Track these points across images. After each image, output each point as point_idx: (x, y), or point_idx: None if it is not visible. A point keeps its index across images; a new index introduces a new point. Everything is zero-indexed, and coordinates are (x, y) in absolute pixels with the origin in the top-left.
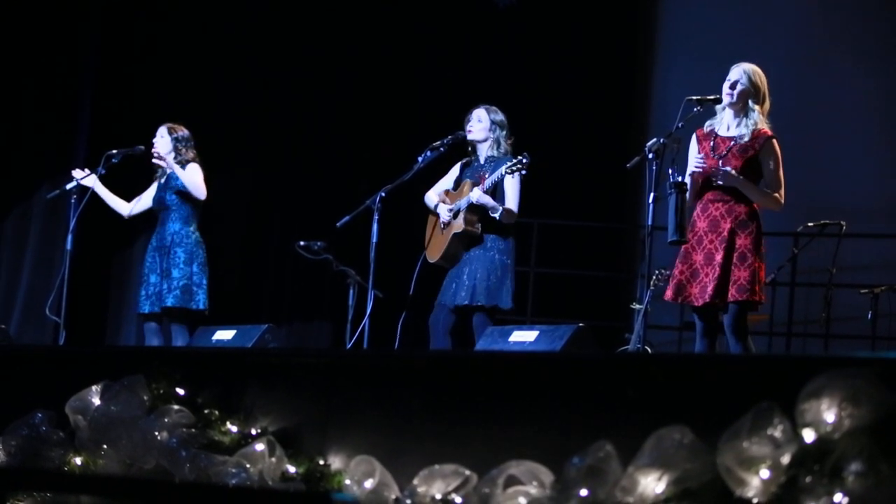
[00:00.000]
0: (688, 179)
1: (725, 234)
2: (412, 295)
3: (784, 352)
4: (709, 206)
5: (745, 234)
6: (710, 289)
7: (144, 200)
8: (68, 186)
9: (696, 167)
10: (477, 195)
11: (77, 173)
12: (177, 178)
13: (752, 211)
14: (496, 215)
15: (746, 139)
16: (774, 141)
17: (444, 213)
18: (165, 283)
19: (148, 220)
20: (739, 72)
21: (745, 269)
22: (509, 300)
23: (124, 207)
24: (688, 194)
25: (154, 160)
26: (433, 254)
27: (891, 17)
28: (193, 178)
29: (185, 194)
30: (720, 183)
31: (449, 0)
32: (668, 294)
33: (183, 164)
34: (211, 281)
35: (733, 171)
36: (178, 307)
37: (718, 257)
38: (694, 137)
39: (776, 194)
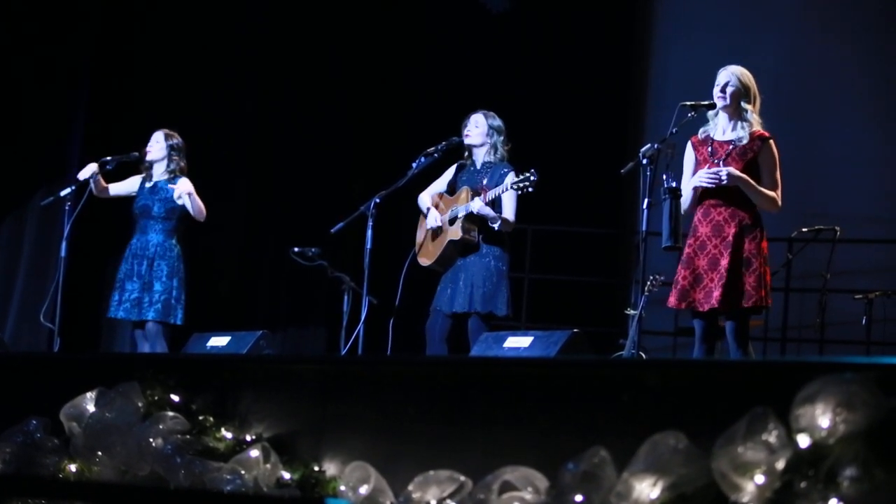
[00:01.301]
0: (689, 190)
1: (731, 238)
2: (401, 295)
3: (779, 357)
4: (710, 211)
5: (750, 239)
6: (716, 294)
7: (117, 188)
8: (62, 193)
9: (707, 182)
10: (478, 206)
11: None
12: (167, 191)
13: (755, 215)
14: (495, 226)
15: (745, 141)
16: (772, 142)
17: (432, 219)
18: (147, 295)
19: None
20: (728, 74)
21: (750, 274)
22: (505, 307)
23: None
24: (689, 202)
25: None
26: (426, 257)
27: (890, 24)
28: (199, 204)
29: (173, 208)
30: (724, 184)
31: (442, 5)
32: (672, 300)
33: (175, 175)
34: (187, 296)
35: (736, 171)
36: (157, 321)
37: (724, 262)
38: (689, 144)
39: (774, 195)
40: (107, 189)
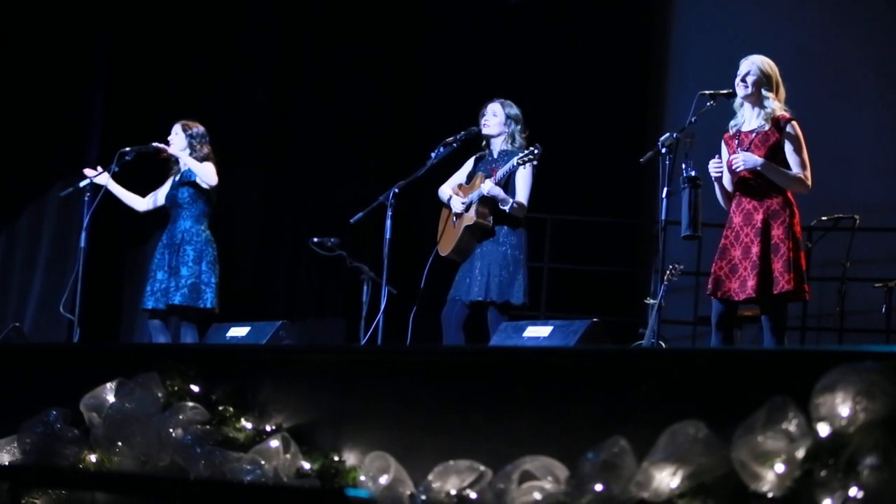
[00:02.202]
0: (717, 186)
1: (759, 224)
2: (423, 289)
3: (798, 345)
4: (742, 200)
5: (778, 224)
6: (750, 283)
7: (159, 197)
8: (82, 184)
9: (714, 172)
10: (488, 187)
11: (89, 172)
12: (190, 176)
13: (784, 200)
14: (506, 208)
15: (766, 128)
16: (794, 123)
17: (456, 205)
18: (173, 280)
19: (161, 216)
20: (749, 63)
21: (778, 259)
22: (521, 296)
23: (139, 203)
24: (721, 199)
25: (164, 152)
26: (445, 247)
27: None
28: (205, 168)
29: (197, 192)
30: (744, 169)
31: None
32: (708, 289)
33: (199, 161)
34: (221, 279)
35: (752, 155)
36: (185, 305)
37: (755, 250)
38: (723, 142)
39: (802, 175)
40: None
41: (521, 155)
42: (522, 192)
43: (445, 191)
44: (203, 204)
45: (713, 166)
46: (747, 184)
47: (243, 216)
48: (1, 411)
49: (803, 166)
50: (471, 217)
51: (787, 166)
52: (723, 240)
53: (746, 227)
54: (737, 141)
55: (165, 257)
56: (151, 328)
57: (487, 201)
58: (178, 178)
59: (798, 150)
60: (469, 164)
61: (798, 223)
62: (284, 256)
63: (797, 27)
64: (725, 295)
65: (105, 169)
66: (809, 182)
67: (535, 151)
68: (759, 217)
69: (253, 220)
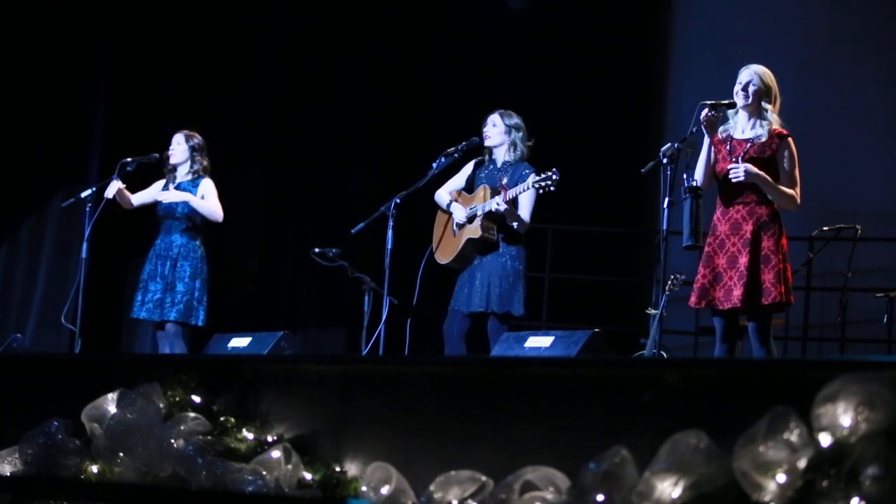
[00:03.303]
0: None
1: (748, 236)
2: (419, 294)
3: (800, 356)
4: (729, 209)
5: (768, 236)
6: (736, 293)
7: (142, 197)
8: (83, 195)
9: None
10: (497, 206)
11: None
12: (191, 191)
13: (773, 212)
14: (514, 224)
15: (763, 139)
16: (791, 140)
17: (458, 214)
18: (169, 295)
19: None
20: (750, 73)
21: (769, 271)
22: (521, 307)
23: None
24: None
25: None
26: (444, 255)
27: None
28: (211, 205)
29: (195, 209)
30: (741, 180)
31: (462, 4)
32: (693, 299)
33: (198, 175)
34: (210, 297)
35: (753, 168)
36: (179, 322)
37: (743, 260)
38: (708, 141)
39: (794, 193)
40: (132, 203)
41: (538, 179)
42: (526, 208)
43: (443, 195)
44: (200, 220)
45: (704, 111)
46: (738, 193)
47: (245, 226)
48: (2, 422)
49: (795, 183)
50: (476, 230)
51: (778, 180)
52: (706, 247)
53: (734, 236)
54: (728, 147)
55: (158, 269)
56: (159, 339)
57: (493, 216)
58: (174, 186)
59: (792, 168)
60: (468, 169)
61: (785, 236)
62: (286, 267)
63: (798, 37)
64: (711, 304)
65: (106, 181)
66: (799, 200)
67: (554, 178)
68: (748, 228)
69: (255, 230)
